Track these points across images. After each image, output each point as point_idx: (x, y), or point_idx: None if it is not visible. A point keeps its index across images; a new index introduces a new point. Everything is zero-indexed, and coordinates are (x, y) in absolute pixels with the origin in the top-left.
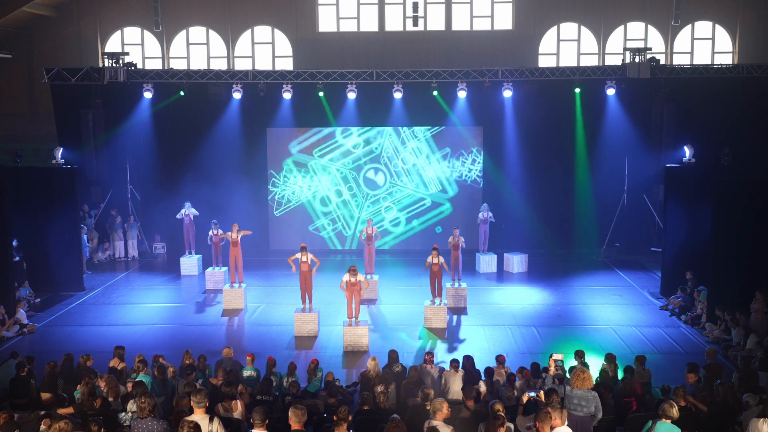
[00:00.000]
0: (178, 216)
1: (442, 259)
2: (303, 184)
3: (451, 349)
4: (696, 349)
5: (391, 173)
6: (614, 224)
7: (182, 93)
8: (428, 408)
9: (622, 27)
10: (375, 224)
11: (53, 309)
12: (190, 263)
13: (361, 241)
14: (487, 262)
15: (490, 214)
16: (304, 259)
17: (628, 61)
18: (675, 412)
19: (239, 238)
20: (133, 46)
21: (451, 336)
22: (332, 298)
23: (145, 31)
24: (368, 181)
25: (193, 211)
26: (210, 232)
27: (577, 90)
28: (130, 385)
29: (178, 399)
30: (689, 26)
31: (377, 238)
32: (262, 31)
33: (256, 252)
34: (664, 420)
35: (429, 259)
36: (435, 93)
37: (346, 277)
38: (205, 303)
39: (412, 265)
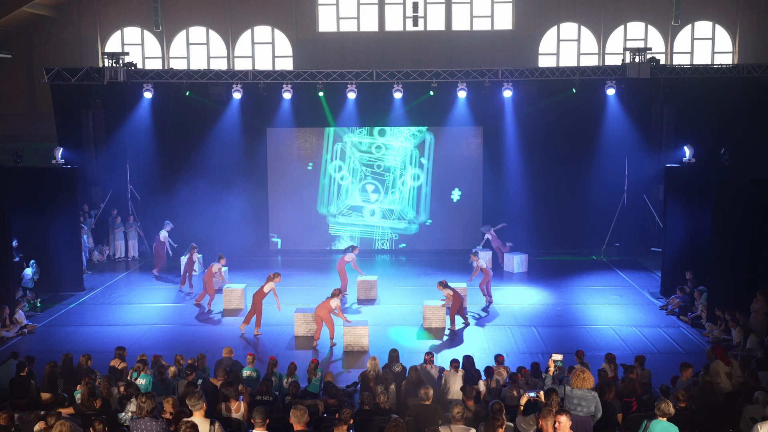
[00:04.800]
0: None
1: (449, 292)
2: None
3: (451, 349)
4: (696, 349)
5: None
6: (614, 224)
7: (188, 93)
8: (455, 414)
9: (622, 27)
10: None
11: (53, 309)
12: None
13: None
14: (483, 258)
15: (488, 235)
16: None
17: (628, 61)
18: (671, 409)
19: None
20: (133, 46)
21: (450, 336)
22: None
23: (145, 31)
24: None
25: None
26: (216, 269)
27: (574, 90)
28: (122, 387)
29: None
30: (689, 26)
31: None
32: (262, 31)
33: (256, 252)
34: (660, 418)
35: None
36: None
37: (335, 302)
38: (205, 303)
39: (412, 264)
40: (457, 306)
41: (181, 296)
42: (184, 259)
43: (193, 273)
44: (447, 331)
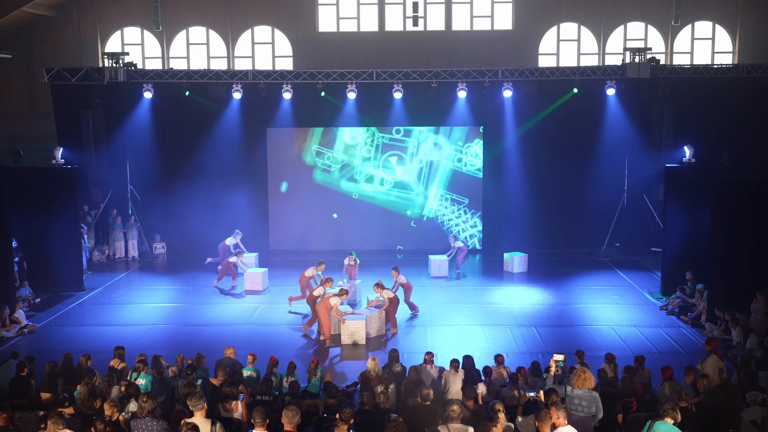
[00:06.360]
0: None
1: (390, 294)
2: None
3: (452, 348)
4: (696, 349)
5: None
6: (614, 224)
7: (188, 93)
8: (451, 413)
9: (622, 27)
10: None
11: (53, 309)
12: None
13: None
14: (438, 266)
15: (457, 242)
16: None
17: (628, 61)
18: (678, 416)
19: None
20: (133, 46)
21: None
22: None
23: (145, 31)
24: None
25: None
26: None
27: (575, 90)
28: (123, 387)
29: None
30: (689, 26)
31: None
32: (262, 31)
33: (255, 252)
34: (665, 420)
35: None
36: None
37: (335, 300)
38: (205, 303)
39: (406, 264)
40: (395, 308)
41: (181, 296)
42: (234, 259)
43: (239, 272)
44: (389, 334)
